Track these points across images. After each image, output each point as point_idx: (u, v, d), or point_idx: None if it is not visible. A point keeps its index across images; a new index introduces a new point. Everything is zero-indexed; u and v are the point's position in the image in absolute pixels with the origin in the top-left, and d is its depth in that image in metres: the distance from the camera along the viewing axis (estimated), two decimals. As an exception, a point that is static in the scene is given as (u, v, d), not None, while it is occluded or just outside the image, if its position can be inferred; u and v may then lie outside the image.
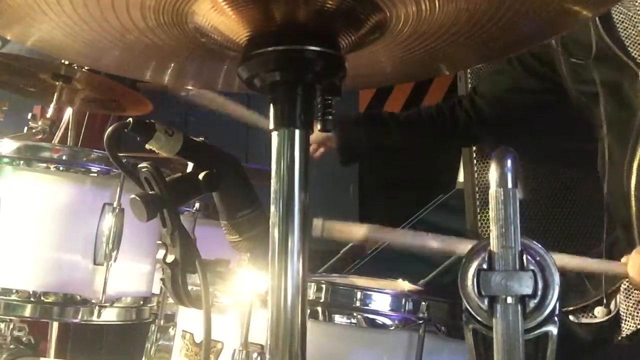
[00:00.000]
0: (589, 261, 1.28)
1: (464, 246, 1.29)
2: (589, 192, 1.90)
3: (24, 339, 2.24)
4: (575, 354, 1.45)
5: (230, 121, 2.02)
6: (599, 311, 1.43)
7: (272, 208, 0.79)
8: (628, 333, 1.39)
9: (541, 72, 1.70)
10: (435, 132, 1.90)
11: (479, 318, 0.83)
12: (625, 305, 1.40)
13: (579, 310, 1.48)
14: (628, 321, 1.40)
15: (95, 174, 1.83)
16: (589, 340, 1.47)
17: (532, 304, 0.81)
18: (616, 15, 1.47)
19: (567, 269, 1.28)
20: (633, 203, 1.39)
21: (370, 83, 1.59)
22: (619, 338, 1.40)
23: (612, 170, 1.47)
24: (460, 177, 2.42)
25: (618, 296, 1.42)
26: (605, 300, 1.43)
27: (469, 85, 2.09)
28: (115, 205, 1.80)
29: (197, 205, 2.17)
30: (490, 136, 1.97)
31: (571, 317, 1.48)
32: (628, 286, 1.41)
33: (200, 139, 1.02)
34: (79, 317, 1.80)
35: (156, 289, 2.02)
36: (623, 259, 1.30)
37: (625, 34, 1.45)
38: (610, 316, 1.42)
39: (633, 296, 1.40)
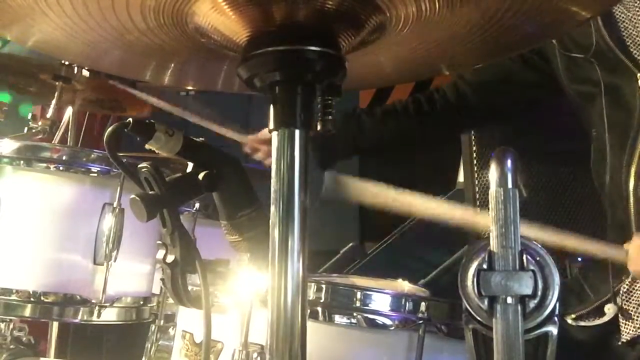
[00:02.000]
0: (587, 243, 1.28)
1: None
2: (586, 193, 1.90)
3: (24, 339, 2.24)
4: (574, 358, 1.45)
5: (230, 121, 2.02)
6: (610, 308, 1.41)
7: (272, 208, 0.79)
8: (628, 338, 1.38)
9: (538, 65, 1.68)
10: (414, 122, 1.83)
11: (479, 318, 0.83)
12: (626, 308, 1.40)
13: (578, 316, 1.47)
14: (628, 324, 1.39)
15: (95, 174, 1.83)
16: (588, 344, 1.46)
17: (532, 304, 0.81)
18: (617, 14, 1.46)
19: (566, 248, 1.27)
20: (632, 205, 1.38)
21: (370, 83, 1.59)
22: (619, 343, 1.40)
23: (609, 172, 1.46)
24: (460, 177, 2.42)
25: (617, 299, 1.41)
26: (612, 300, 1.42)
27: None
28: (115, 205, 1.80)
29: (197, 205, 2.16)
30: (474, 124, 1.92)
31: (569, 321, 1.48)
32: (628, 289, 1.40)
33: (200, 139, 1.02)
34: (79, 317, 1.80)
35: (156, 289, 2.02)
36: (625, 245, 1.29)
37: (626, 34, 1.44)
38: (611, 317, 1.41)
39: (633, 299, 1.39)
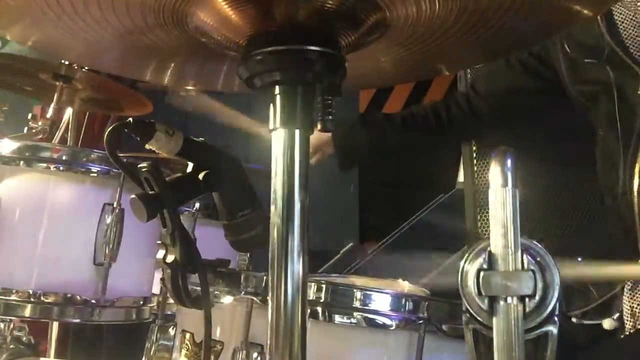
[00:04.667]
0: (607, 268, 1.28)
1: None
2: (589, 193, 1.90)
3: (24, 339, 2.24)
4: (575, 355, 1.45)
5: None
6: (607, 323, 1.42)
7: (272, 208, 0.79)
8: (632, 331, 1.39)
9: (540, 72, 1.70)
10: (431, 131, 1.91)
11: (479, 318, 0.83)
12: (629, 305, 1.40)
13: (582, 313, 1.47)
14: (631, 321, 1.40)
15: (95, 174, 1.83)
16: (590, 341, 1.46)
17: (532, 304, 0.81)
18: (617, 15, 1.47)
19: (585, 279, 1.28)
20: (636, 205, 1.38)
21: (370, 83, 1.59)
22: (621, 336, 1.40)
23: (613, 173, 1.47)
24: (460, 177, 2.42)
25: (622, 297, 1.42)
26: (609, 306, 1.42)
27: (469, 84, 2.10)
28: (115, 205, 1.80)
29: (197, 205, 2.17)
30: (487, 133, 1.99)
31: (573, 320, 1.48)
32: (632, 286, 1.40)
33: (201, 139, 1.02)
34: (79, 317, 1.80)
35: (156, 289, 2.02)
36: None
37: (626, 34, 1.45)
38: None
39: (637, 297, 1.40)
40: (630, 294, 1.41)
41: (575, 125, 1.69)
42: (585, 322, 1.47)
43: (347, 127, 1.92)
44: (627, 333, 1.39)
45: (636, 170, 1.39)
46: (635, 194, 1.39)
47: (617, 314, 1.42)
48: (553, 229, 1.94)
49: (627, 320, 1.40)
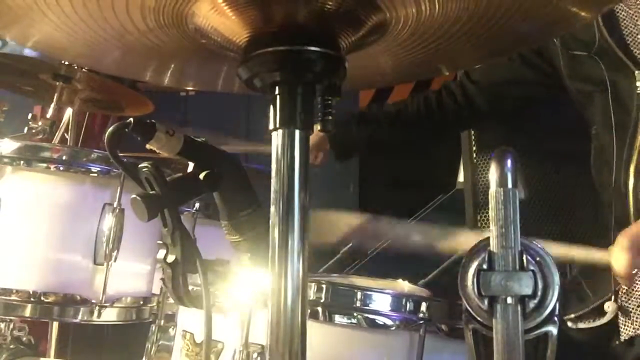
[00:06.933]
0: (574, 249, 1.28)
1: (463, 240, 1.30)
2: (588, 192, 1.90)
3: (24, 339, 2.24)
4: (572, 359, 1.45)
5: (230, 121, 2.03)
6: (609, 306, 1.41)
7: (272, 208, 0.79)
8: (626, 337, 1.39)
9: (539, 66, 1.70)
10: (425, 123, 1.91)
11: (479, 318, 0.83)
12: (625, 307, 1.40)
13: (577, 317, 1.47)
14: (627, 324, 1.39)
15: (95, 174, 1.83)
16: (587, 345, 1.46)
17: (532, 304, 0.81)
18: (618, 12, 1.46)
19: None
20: (631, 203, 1.38)
21: (370, 83, 1.60)
22: (617, 342, 1.40)
23: (608, 171, 1.46)
24: (460, 177, 2.42)
25: (618, 299, 1.41)
26: (611, 299, 1.42)
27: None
28: (115, 205, 1.80)
29: (197, 205, 2.17)
30: (481, 125, 1.99)
31: (569, 323, 1.48)
32: (628, 290, 1.40)
33: (201, 138, 1.02)
34: (79, 317, 1.80)
35: (156, 289, 2.02)
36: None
37: (626, 32, 1.44)
38: (609, 319, 1.41)
39: (633, 299, 1.39)
40: (625, 297, 1.40)
41: (573, 122, 1.68)
42: (581, 326, 1.46)
43: (342, 122, 1.92)
44: (622, 339, 1.39)
45: (631, 169, 1.39)
46: (631, 193, 1.38)
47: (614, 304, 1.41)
48: (552, 229, 1.94)
49: (622, 324, 1.40)
